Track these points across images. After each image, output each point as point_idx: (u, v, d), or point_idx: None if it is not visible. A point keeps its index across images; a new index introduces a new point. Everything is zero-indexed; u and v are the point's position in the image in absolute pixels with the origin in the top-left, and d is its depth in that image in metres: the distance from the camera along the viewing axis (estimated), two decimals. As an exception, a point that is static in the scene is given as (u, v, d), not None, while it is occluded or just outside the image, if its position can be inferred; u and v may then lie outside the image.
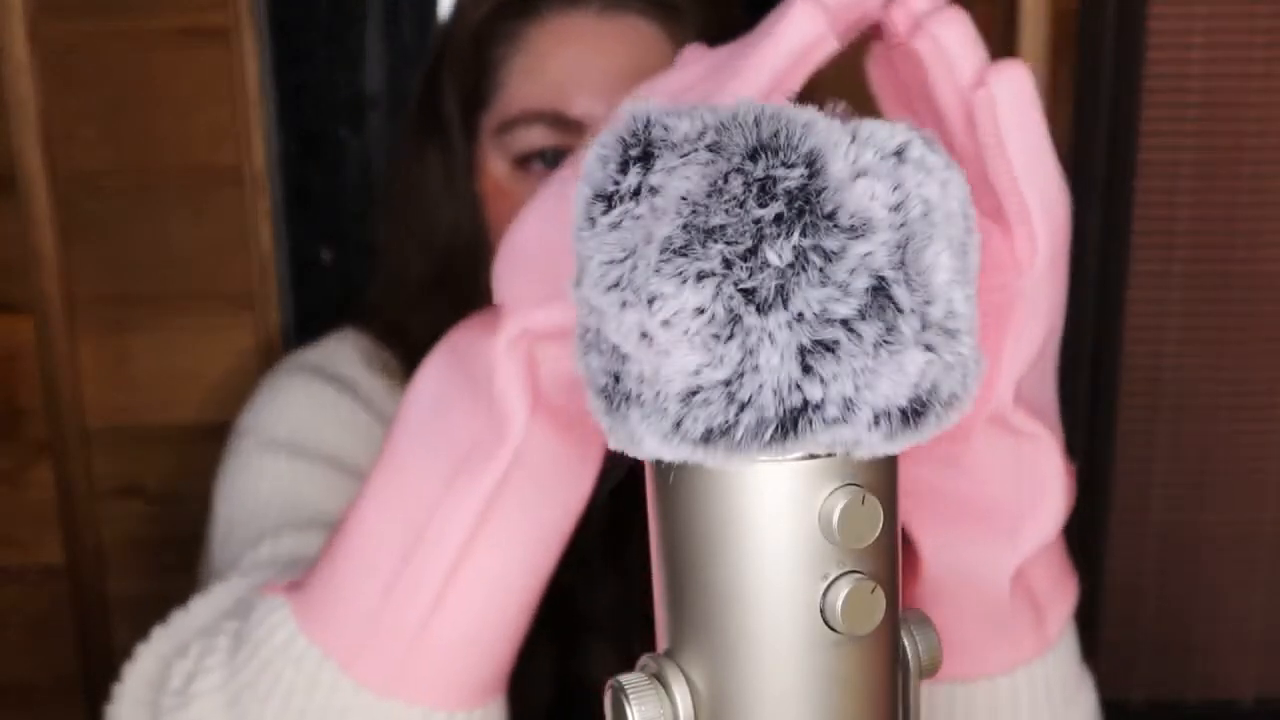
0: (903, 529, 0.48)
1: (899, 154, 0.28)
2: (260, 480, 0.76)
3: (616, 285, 0.28)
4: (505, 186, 0.72)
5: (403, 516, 0.48)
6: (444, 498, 0.46)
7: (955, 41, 0.45)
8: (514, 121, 0.71)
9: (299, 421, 0.79)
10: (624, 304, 0.28)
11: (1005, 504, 0.48)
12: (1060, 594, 0.54)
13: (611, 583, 0.74)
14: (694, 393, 0.27)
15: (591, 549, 0.74)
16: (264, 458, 0.77)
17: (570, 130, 0.70)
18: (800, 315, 0.27)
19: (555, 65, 0.70)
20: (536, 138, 0.71)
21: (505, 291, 0.47)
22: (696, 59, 0.48)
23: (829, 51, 0.45)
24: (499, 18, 0.72)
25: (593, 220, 0.29)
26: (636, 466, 0.31)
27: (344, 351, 0.86)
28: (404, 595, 0.48)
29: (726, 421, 0.27)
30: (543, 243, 0.46)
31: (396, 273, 0.85)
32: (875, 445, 0.28)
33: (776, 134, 0.28)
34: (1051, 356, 0.49)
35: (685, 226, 0.27)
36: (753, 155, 0.27)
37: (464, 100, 0.75)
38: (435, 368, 0.49)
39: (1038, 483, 0.48)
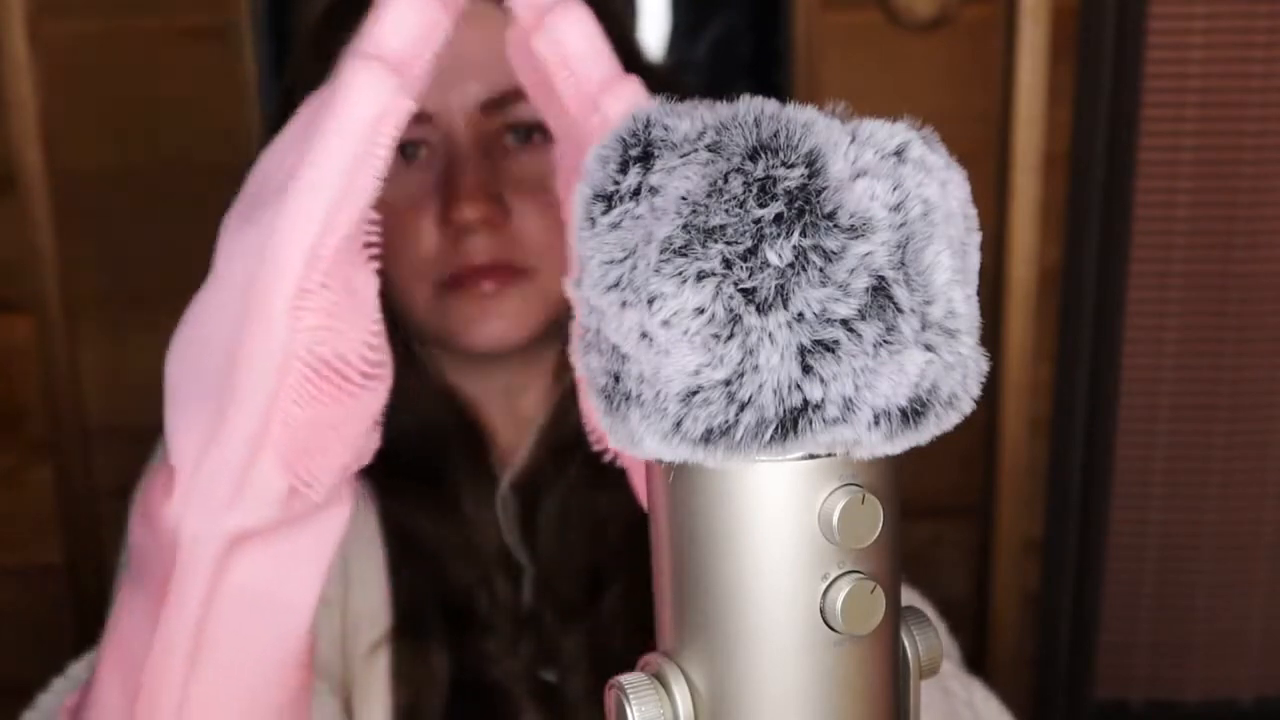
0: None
1: (899, 154, 0.28)
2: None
3: (616, 285, 0.28)
4: None
5: (122, 674, 0.46)
6: (148, 655, 0.44)
7: (576, 41, 0.44)
8: None
9: None
10: (624, 304, 0.28)
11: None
12: None
13: (507, 584, 0.74)
14: (694, 393, 0.27)
15: (488, 549, 0.74)
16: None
17: (418, 122, 0.68)
18: (800, 315, 0.27)
19: None
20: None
21: (173, 441, 0.44)
22: (302, 113, 0.46)
23: (405, 112, 0.43)
24: (335, 21, 0.71)
25: (593, 220, 0.29)
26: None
27: None
28: None
29: (726, 421, 0.27)
30: (200, 356, 0.43)
31: None
32: (875, 445, 0.28)
33: (776, 134, 0.28)
34: None
35: (685, 226, 0.27)
36: (753, 155, 0.27)
37: None
38: (134, 521, 0.46)
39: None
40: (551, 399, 0.76)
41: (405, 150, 0.70)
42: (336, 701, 0.66)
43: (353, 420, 0.43)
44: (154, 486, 0.44)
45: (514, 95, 0.69)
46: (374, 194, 0.42)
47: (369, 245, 0.43)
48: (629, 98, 0.43)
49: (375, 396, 0.44)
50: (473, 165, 0.68)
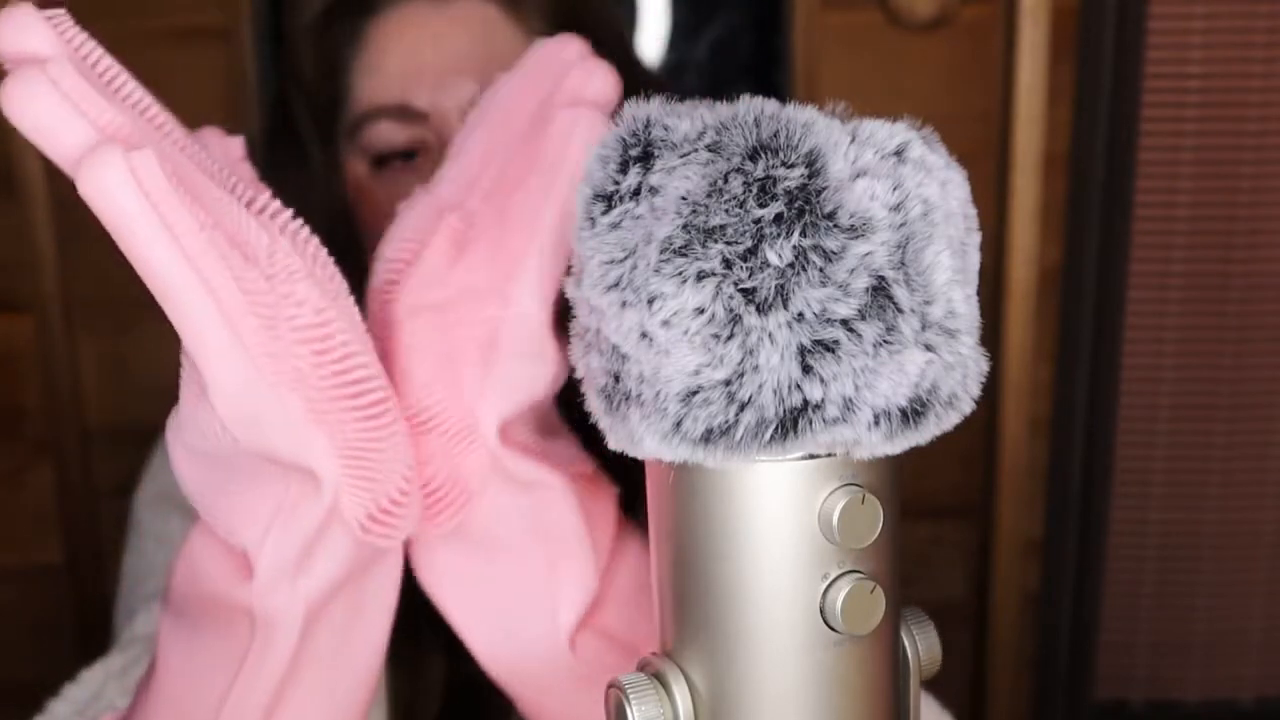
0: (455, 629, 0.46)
1: (899, 154, 0.28)
2: (147, 540, 0.75)
3: (616, 285, 0.28)
4: (365, 187, 0.71)
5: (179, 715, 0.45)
6: (222, 709, 0.43)
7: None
8: (361, 120, 0.70)
9: None
10: (624, 304, 0.28)
11: (534, 572, 0.45)
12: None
13: None
14: (694, 393, 0.27)
15: None
16: (156, 515, 0.76)
17: (415, 122, 0.68)
18: (800, 315, 0.27)
19: (395, 58, 0.69)
20: (385, 133, 0.69)
21: (237, 529, 0.43)
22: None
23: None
24: (335, 20, 0.71)
25: (593, 220, 0.29)
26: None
27: None
28: None
29: (726, 421, 0.27)
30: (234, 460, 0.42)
31: None
32: (875, 445, 0.28)
33: (776, 134, 0.28)
34: (554, 424, 0.47)
35: (685, 226, 0.27)
36: (753, 155, 0.27)
37: (316, 112, 0.73)
38: (181, 584, 0.45)
39: (560, 539, 0.45)
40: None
41: (406, 155, 0.70)
42: None
43: (401, 463, 0.42)
44: (209, 567, 0.43)
45: None
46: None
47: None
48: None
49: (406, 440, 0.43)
50: None
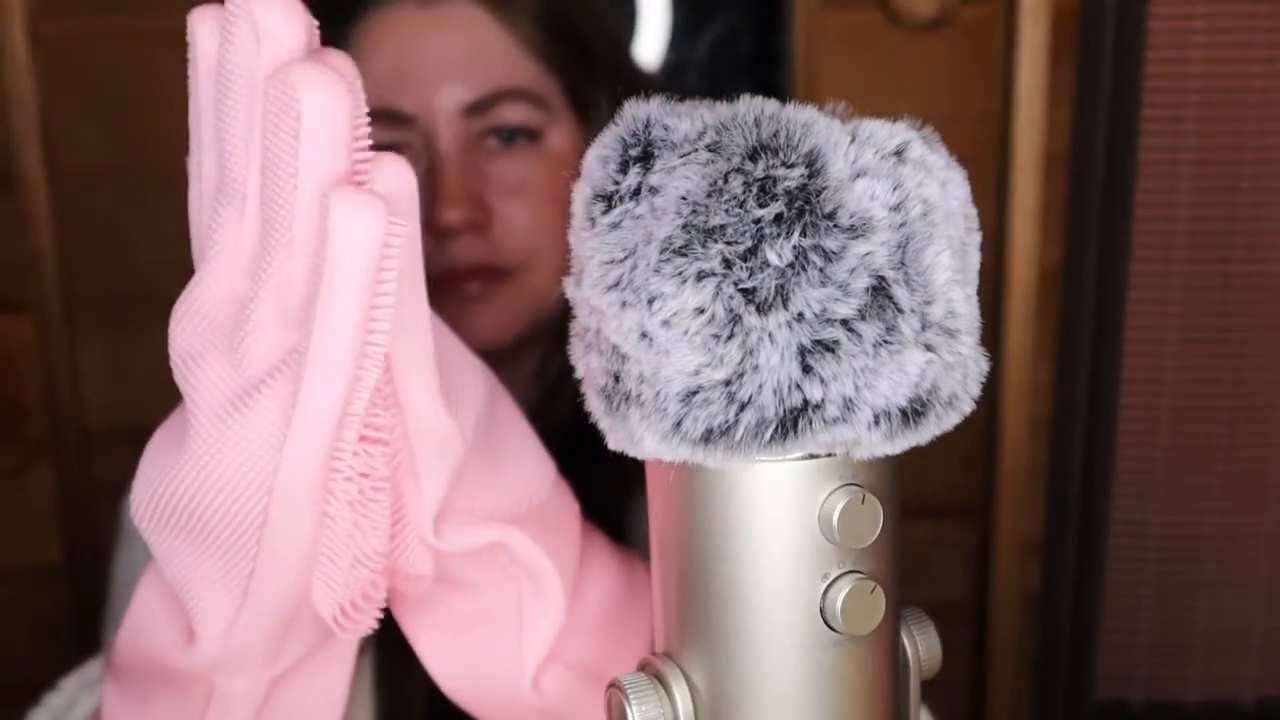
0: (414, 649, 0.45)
1: (899, 154, 0.28)
2: (136, 546, 0.73)
3: (616, 285, 0.28)
4: None
5: None
6: None
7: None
8: None
9: None
10: (624, 304, 0.28)
11: (500, 609, 0.44)
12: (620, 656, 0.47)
13: None
14: (694, 393, 0.27)
15: None
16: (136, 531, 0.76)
17: (401, 126, 0.68)
18: (800, 315, 0.27)
19: (378, 63, 0.68)
20: (371, 137, 0.70)
21: (192, 605, 0.39)
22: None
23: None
24: (321, 21, 0.71)
25: (593, 220, 0.29)
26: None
27: None
28: None
29: (726, 421, 0.27)
30: (200, 521, 0.38)
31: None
32: (875, 445, 0.28)
33: (776, 134, 0.28)
34: (493, 462, 0.43)
35: (685, 226, 0.27)
36: (753, 155, 0.27)
37: None
38: (124, 647, 0.43)
39: (526, 576, 0.43)
40: (527, 402, 0.76)
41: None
42: None
43: (381, 545, 0.39)
44: (156, 640, 0.41)
45: (497, 98, 0.68)
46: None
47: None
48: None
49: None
50: (455, 168, 0.68)
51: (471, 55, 0.69)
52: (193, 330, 0.37)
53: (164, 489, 0.37)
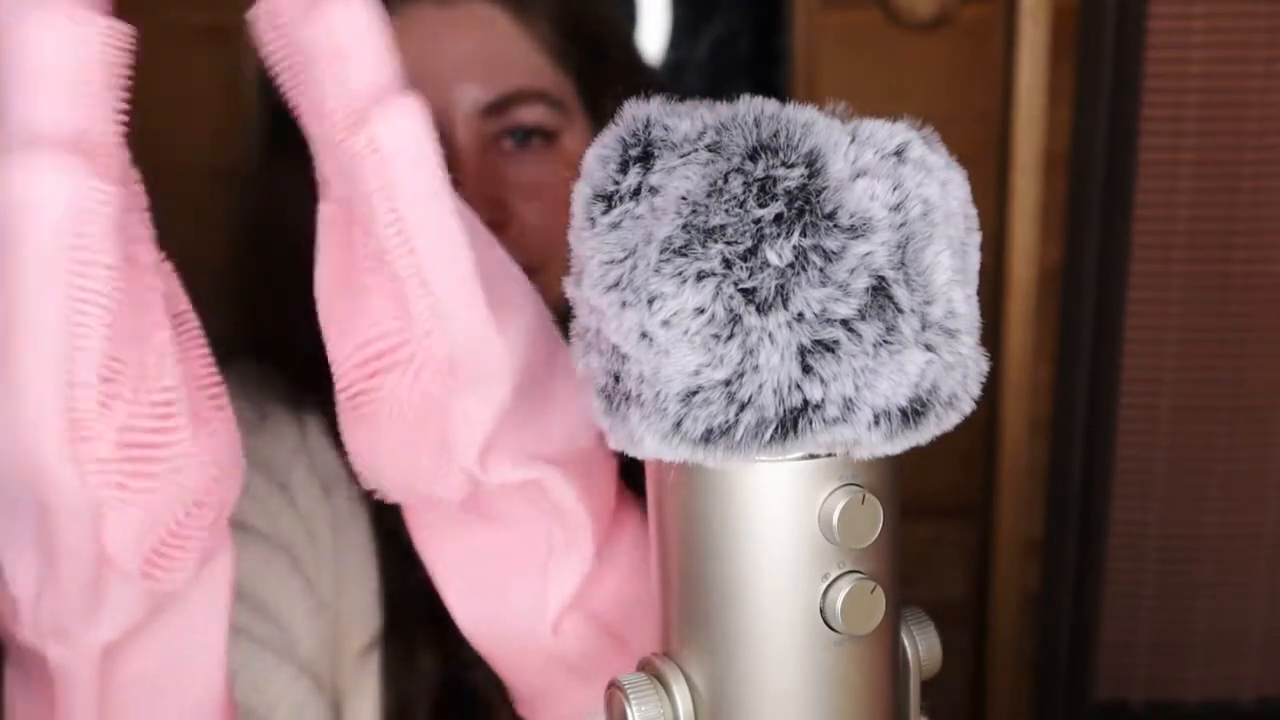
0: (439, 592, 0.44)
1: (899, 154, 0.28)
2: None
3: (616, 285, 0.28)
4: None
5: None
6: None
7: (348, 31, 0.36)
8: None
9: None
10: (624, 304, 0.28)
11: (528, 550, 0.43)
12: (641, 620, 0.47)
13: None
14: (694, 393, 0.27)
15: None
16: None
17: None
18: (800, 315, 0.27)
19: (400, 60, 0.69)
20: None
21: (6, 569, 0.38)
22: None
23: (107, 199, 0.34)
24: None
25: (593, 220, 0.29)
26: None
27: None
28: None
29: (726, 421, 0.27)
30: None
31: (260, 295, 0.80)
32: (875, 445, 0.28)
33: (776, 134, 0.28)
34: (542, 399, 0.42)
35: (685, 226, 0.27)
36: (753, 155, 0.27)
37: None
38: None
39: (557, 518, 0.42)
40: None
41: None
42: (324, 701, 0.66)
43: (182, 492, 0.38)
44: (2, 611, 0.39)
45: (515, 99, 0.68)
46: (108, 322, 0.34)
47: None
48: (401, 125, 0.35)
49: (203, 458, 0.38)
50: (472, 168, 0.68)
51: (489, 56, 0.69)
52: None
53: None
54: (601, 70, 0.71)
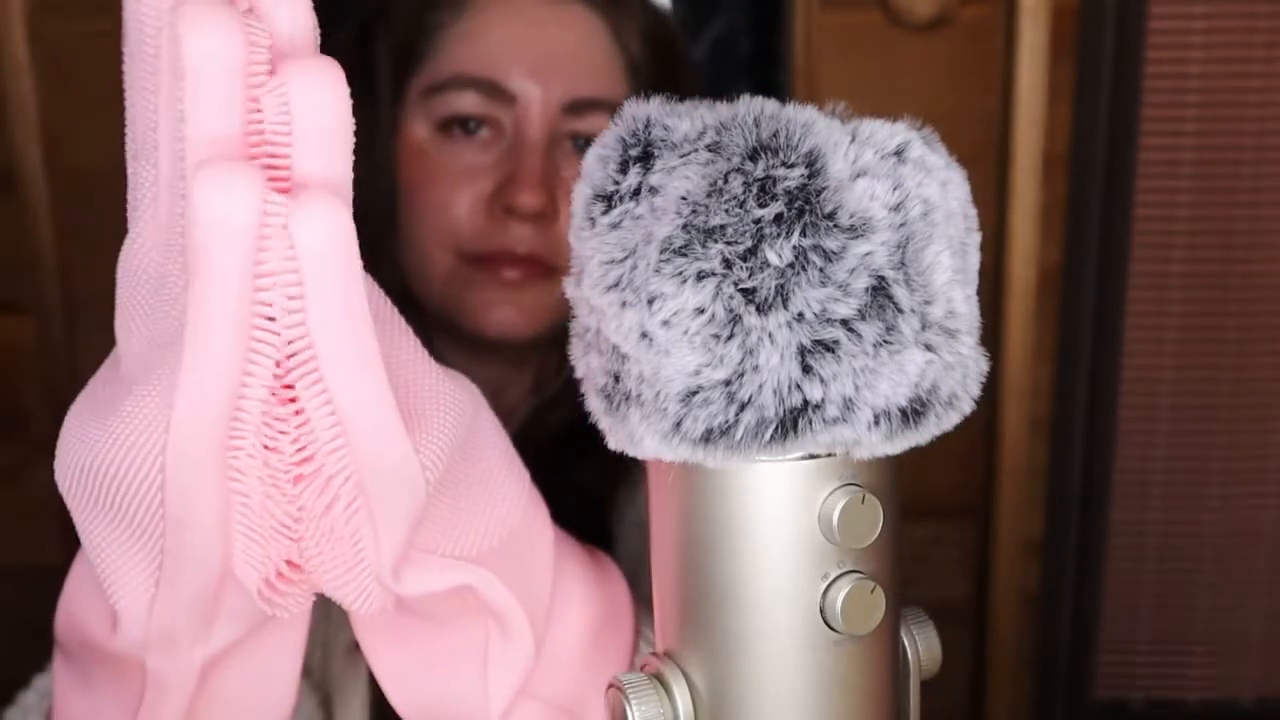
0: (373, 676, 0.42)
1: (899, 154, 0.28)
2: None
3: (616, 285, 0.28)
4: (424, 149, 0.72)
5: None
6: None
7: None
8: (446, 84, 0.71)
9: None
10: (624, 304, 0.28)
11: (468, 649, 0.42)
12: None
13: None
14: (694, 393, 0.27)
15: None
16: None
17: (501, 101, 0.70)
18: (800, 315, 0.27)
19: (496, 36, 0.70)
20: (466, 103, 0.71)
21: (109, 583, 0.37)
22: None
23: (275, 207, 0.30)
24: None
25: (593, 220, 0.29)
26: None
27: None
28: None
29: (726, 421, 0.27)
30: (108, 494, 0.35)
31: None
32: (875, 445, 0.28)
33: (776, 134, 0.28)
34: (462, 498, 0.39)
35: (685, 226, 0.27)
36: (753, 155, 0.27)
37: (396, 59, 0.74)
38: (62, 631, 0.40)
39: (493, 615, 0.41)
40: (527, 404, 0.76)
41: (468, 123, 0.71)
42: (314, 698, 0.66)
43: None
44: (87, 618, 0.39)
45: (592, 104, 0.70)
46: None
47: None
48: (323, 226, 0.29)
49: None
50: (539, 156, 0.70)
51: (582, 57, 0.71)
52: (125, 294, 0.34)
53: (76, 455, 0.35)
54: (669, 94, 0.73)
